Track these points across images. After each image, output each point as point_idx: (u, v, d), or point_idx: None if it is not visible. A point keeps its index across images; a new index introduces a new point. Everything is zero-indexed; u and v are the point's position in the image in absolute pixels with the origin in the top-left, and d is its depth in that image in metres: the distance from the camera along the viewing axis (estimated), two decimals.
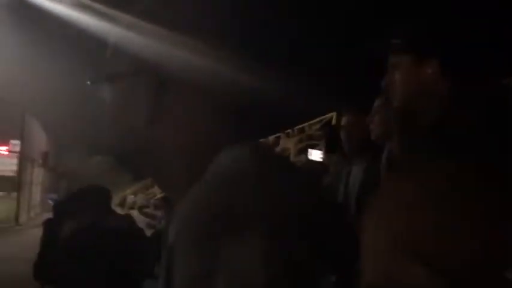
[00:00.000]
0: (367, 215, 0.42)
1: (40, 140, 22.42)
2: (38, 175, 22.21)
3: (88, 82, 0.68)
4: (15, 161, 19.57)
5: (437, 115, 1.23)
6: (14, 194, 18.73)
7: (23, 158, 18.59)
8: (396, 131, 1.54)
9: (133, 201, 16.78)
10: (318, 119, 12.58)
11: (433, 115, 1.26)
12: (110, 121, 0.68)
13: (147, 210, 11.07)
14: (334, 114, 11.24)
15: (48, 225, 2.87)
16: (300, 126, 12.91)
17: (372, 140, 2.11)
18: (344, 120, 2.39)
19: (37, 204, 21.96)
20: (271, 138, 14.31)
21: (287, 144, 12.34)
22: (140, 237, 2.77)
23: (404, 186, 0.41)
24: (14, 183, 19.38)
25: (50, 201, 24.93)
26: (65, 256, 2.48)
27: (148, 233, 3.85)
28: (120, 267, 2.49)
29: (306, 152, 11.10)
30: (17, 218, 16.76)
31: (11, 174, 21.33)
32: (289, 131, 13.11)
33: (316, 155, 4.71)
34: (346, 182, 2.36)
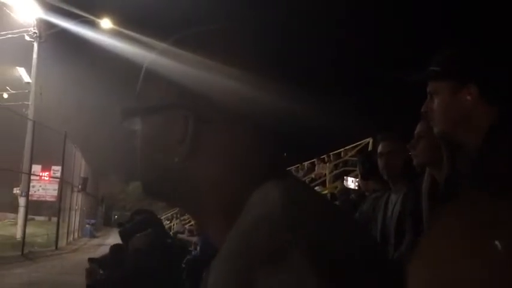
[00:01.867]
0: (416, 257, 0.38)
1: (80, 167, 23.05)
2: (77, 200, 22.75)
3: (120, 115, 0.66)
4: (56, 186, 20.15)
5: (479, 143, 1.21)
6: (54, 219, 19.24)
7: (64, 183, 19.10)
8: (444, 155, 1.51)
9: (169, 227, 16.91)
10: (353, 145, 12.44)
11: (474, 141, 1.24)
12: (141, 155, 0.65)
13: (182, 236, 11.15)
14: (370, 140, 11.10)
15: (114, 249, 3.03)
16: (336, 151, 12.78)
17: (411, 167, 2.07)
18: (382, 147, 2.35)
19: (76, 229, 22.45)
20: (306, 164, 14.22)
21: (322, 170, 12.23)
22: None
23: (456, 227, 0.37)
24: (54, 208, 19.90)
25: (88, 226, 25.53)
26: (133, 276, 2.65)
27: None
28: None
29: (341, 178, 10.98)
30: (56, 243, 17.14)
31: (52, 199, 21.95)
32: (324, 156, 12.98)
33: (352, 182, 4.64)
34: (385, 210, 2.31)
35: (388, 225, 2.23)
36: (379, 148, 2.37)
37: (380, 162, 2.34)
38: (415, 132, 1.91)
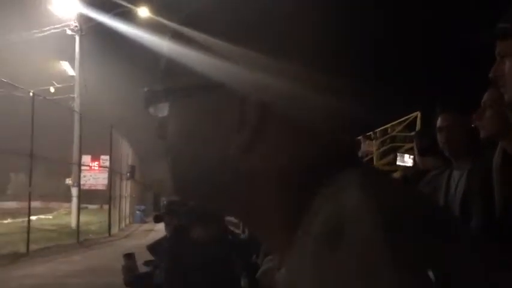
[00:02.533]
0: None
1: (127, 155, 23.61)
2: (126, 188, 23.36)
3: (144, 99, 0.53)
4: (106, 175, 20.75)
5: None
6: (106, 207, 19.88)
7: (113, 172, 19.62)
8: None
9: None
10: (400, 120, 12.05)
11: None
12: (176, 149, 0.52)
13: (229, 218, 11.21)
14: (418, 114, 10.70)
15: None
16: (382, 128, 12.42)
17: (476, 140, 1.88)
18: (441, 120, 2.16)
19: (127, 216, 23.09)
20: None
21: (369, 147, 11.93)
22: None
23: None
24: (105, 197, 20.54)
25: (138, 212, 26.25)
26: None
27: None
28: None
29: (392, 154, 10.66)
30: (109, 230, 17.70)
31: (102, 188, 22.65)
32: (370, 133, 12.65)
33: (408, 158, 4.40)
34: (447, 188, 2.13)
35: (452, 206, 2.06)
36: (439, 122, 2.17)
37: (440, 137, 2.15)
38: (482, 100, 1.71)
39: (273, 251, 0.52)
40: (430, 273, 0.34)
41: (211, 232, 2.75)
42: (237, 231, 5.63)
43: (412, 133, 7.61)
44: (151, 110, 0.53)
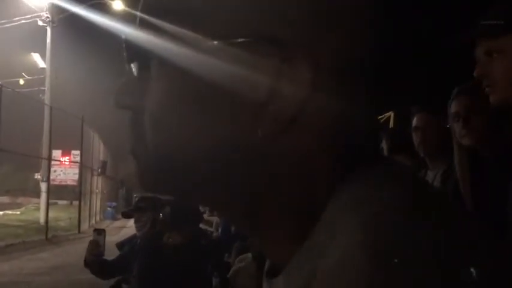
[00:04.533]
0: None
1: (99, 150, 23.20)
2: (97, 184, 22.96)
3: (127, 57, 0.42)
4: (76, 170, 20.37)
5: None
6: (76, 203, 19.52)
7: (83, 167, 19.26)
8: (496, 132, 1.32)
9: None
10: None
11: None
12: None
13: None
14: (391, 114, 10.81)
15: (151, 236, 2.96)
16: None
17: (451, 142, 1.87)
18: (418, 120, 2.16)
19: (98, 212, 22.71)
20: None
21: None
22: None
23: None
24: (75, 192, 20.16)
25: (109, 209, 25.85)
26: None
27: None
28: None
29: None
30: (79, 226, 17.36)
31: (73, 183, 22.22)
32: None
33: None
34: None
35: None
36: (414, 121, 2.17)
37: (415, 137, 2.15)
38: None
39: (267, 254, 0.43)
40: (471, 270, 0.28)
41: (185, 237, 2.73)
42: (209, 229, 5.61)
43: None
44: (133, 67, 0.41)
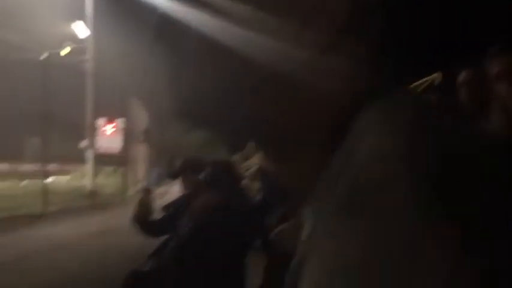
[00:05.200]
0: None
1: (142, 118, 23.58)
2: (142, 151, 23.45)
3: None
4: (121, 138, 20.84)
5: None
6: (121, 170, 20.07)
7: (128, 135, 19.67)
8: None
9: None
10: (418, 82, 11.75)
11: None
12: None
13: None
14: (438, 75, 10.39)
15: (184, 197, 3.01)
16: None
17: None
18: (465, 76, 1.94)
19: (142, 179, 23.29)
20: None
21: None
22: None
23: None
24: (120, 160, 20.69)
25: (153, 175, 26.45)
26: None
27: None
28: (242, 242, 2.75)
29: None
30: (124, 192, 17.89)
31: (117, 151, 22.79)
32: None
33: None
34: None
35: None
36: (463, 77, 1.93)
37: (465, 93, 1.94)
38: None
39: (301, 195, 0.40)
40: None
41: (225, 197, 2.74)
42: (250, 192, 5.58)
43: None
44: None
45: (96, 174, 16.98)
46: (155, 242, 3.05)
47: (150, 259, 2.92)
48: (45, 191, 12.57)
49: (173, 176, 3.33)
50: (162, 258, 2.80)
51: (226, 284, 2.66)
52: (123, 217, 12.40)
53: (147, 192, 3.05)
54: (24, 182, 19.29)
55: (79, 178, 21.39)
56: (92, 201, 15.20)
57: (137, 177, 21.44)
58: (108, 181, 19.91)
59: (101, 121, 20.76)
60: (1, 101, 12.10)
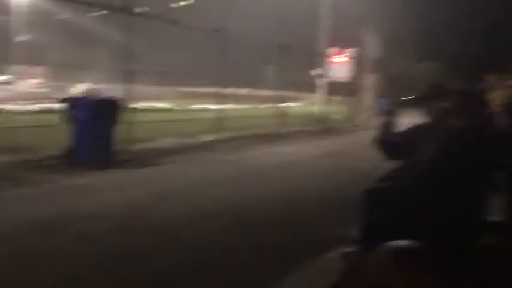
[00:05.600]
0: None
1: (374, 47, 23.21)
2: (370, 81, 23.33)
3: None
4: (350, 67, 21.04)
5: None
6: (349, 99, 20.47)
7: (357, 64, 19.73)
8: None
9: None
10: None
11: None
12: None
13: None
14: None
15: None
16: None
17: None
18: None
19: (369, 108, 23.33)
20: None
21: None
22: None
23: None
24: (348, 89, 21.02)
25: (380, 105, 26.13)
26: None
27: None
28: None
29: None
30: (352, 120, 18.32)
31: (346, 80, 23.11)
32: None
33: None
34: None
35: None
36: None
37: None
38: None
39: None
40: None
41: (470, 123, 2.61)
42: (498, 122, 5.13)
43: None
44: None
45: (326, 101, 17.70)
46: (379, 169, 3.07)
47: (384, 181, 2.98)
48: (281, 114, 13.72)
49: (416, 103, 3.27)
50: (400, 180, 2.84)
51: (466, 208, 2.61)
52: (351, 142, 12.86)
53: (389, 112, 3.08)
54: (263, 106, 21.35)
55: (310, 105, 22.55)
56: (321, 126, 16.06)
57: (365, 106, 21.57)
58: (337, 108, 20.56)
59: (332, 50, 21.16)
60: (245, 33, 13.42)
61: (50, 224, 4.25)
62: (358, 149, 10.91)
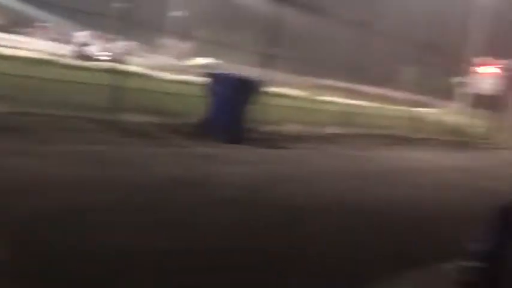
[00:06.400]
0: None
1: None
2: None
3: None
4: (497, 80, 19.41)
5: None
6: (494, 114, 18.95)
7: (509, 79, 18.13)
8: None
9: None
10: None
11: None
12: None
13: None
14: None
15: None
16: None
17: None
18: None
19: None
20: None
21: None
22: None
23: None
24: (494, 103, 19.44)
25: None
26: None
27: None
28: None
29: None
30: (491, 136, 16.95)
31: (490, 93, 21.40)
32: None
33: None
34: None
35: None
36: None
37: None
38: None
39: None
40: None
41: None
42: None
43: None
44: None
45: (465, 113, 16.59)
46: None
47: None
48: (413, 119, 13.18)
49: None
50: None
51: None
52: (486, 159, 11.95)
53: None
54: (395, 107, 20.64)
55: (447, 114, 21.33)
56: (456, 138, 15.10)
57: (508, 124, 19.80)
58: (477, 122, 19.16)
59: (481, 59, 19.71)
60: (389, 29, 12.98)
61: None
62: (494, 167, 10.11)
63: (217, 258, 2.98)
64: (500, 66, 19.25)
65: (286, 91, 18.90)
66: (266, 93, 9.37)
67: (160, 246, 2.97)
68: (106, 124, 7.01)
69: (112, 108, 7.30)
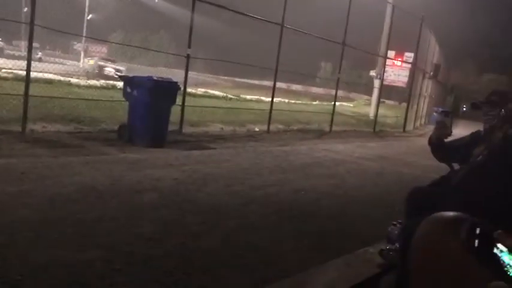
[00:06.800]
0: None
1: (433, 53, 22.64)
2: (427, 87, 22.78)
3: None
4: (407, 72, 20.62)
5: None
6: (403, 104, 20.02)
7: (415, 70, 19.30)
8: None
9: None
10: None
11: None
12: None
13: None
14: None
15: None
16: None
17: None
18: None
19: (423, 115, 22.77)
20: None
21: None
22: None
23: None
24: (403, 94, 20.61)
25: (435, 114, 25.43)
26: None
27: None
28: None
29: None
30: (404, 126, 17.96)
31: (402, 85, 22.68)
32: None
33: None
34: None
35: None
36: None
37: None
38: None
39: None
40: None
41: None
42: None
43: None
44: None
45: (378, 104, 17.46)
46: (425, 176, 3.07)
47: (431, 186, 3.00)
48: (331, 112, 13.67)
49: (476, 107, 3.25)
50: (448, 184, 2.84)
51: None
52: (400, 148, 12.64)
53: (446, 114, 3.07)
54: (315, 102, 21.33)
55: (362, 106, 22.30)
56: (371, 128, 15.87)
57: (418, 114, 21.09)
58: (390, 113, 20.22)
59: (390, 53, 20.83)
60: (306, 28, 13.39)
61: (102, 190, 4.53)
62: (406, 155, 10.75)
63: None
64: (407, 58, 20.45)
65: (207, 91, 18.89)
66: (187, 94, 9.32)
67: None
68: (15, 135, 6.64)
69: (21, 119, 6.91)
